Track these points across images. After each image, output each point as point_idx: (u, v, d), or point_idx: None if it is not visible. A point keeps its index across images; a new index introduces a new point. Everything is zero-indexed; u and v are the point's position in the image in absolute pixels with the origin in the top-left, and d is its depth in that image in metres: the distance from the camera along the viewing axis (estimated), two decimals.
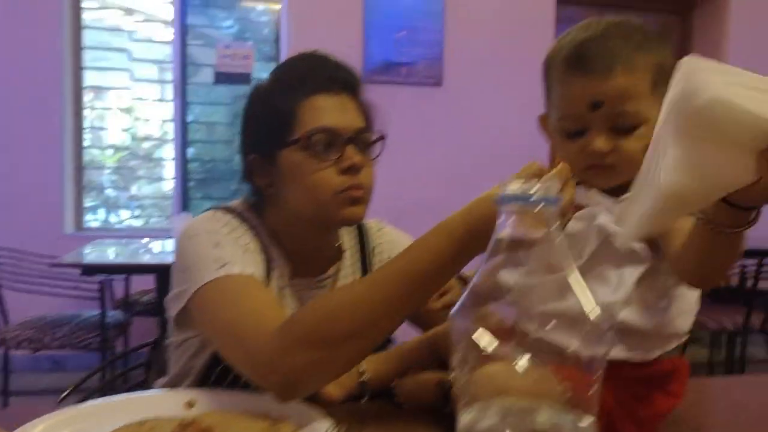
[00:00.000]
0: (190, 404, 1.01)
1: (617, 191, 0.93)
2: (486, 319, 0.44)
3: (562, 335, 0.48)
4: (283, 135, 1.09)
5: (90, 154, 4.58)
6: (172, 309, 1.09)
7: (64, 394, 1.62)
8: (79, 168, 4.42)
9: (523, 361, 0.43)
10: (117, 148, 4.77)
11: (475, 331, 0.44)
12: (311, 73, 1.12)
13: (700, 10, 5.21)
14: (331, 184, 1.08)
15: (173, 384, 1.16)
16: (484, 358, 0.43)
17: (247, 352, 0.93)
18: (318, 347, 0.87)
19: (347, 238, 1.27)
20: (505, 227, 0.49)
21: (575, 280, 0.53)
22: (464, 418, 0.44)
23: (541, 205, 0.47)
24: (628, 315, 0.90)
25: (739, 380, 1.08)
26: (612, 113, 0.88)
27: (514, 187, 0.47)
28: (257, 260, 1.07)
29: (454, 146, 4.48)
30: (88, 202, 4.54)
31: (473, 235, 0.83)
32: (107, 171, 4.79)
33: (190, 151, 4.55)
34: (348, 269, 1.24)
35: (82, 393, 1.81)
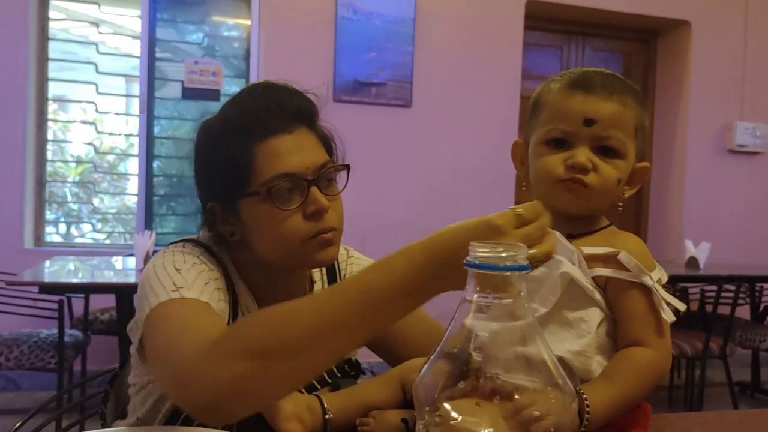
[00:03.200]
0: None
1: (577, 223, 0.98)
2: (455, 389, 0.44)
3: (526, 379, 0.48)
4: (241, 185, 1.04)
5: (52, 167, 4.49)
6: (134, 341, 1.06)
7: (18, 424, 1.57)
8: (41, 181, 4.33)
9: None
10: (80, 161, 4.69)
11: (441, 400, 0.44)
12: (265, 113, 1.05)
13: (663, 38, 5.35)
14: (299, 232, 1.04)
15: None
16: (449, 427, 0.43)
17: (172, 364, 0.83)
18: (250, 359, 0.76)
19: (316, 269, 1.24)
20: (473, 292, 0.49)
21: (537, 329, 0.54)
22: None
23: (510, 273, 0.48)
24: (596, 362, 0.92)
25: (700, 417, 1.10)
26: (601, 134, 0.94)
27: (484, 251, 0.47)
28: (219, 296, 1.04)
29: (422, 167, 4.51)
30: (49, 215, 4.44)
31: (435, 264, 0.75)
32: (69, 184, 4.70)
33: (156, 166, 4.49)
34: None
35: (46, 414, 1.76)
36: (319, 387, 1.19)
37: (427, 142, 4.51)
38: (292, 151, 1.04)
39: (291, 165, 1.03)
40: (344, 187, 1.12)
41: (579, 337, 0.95)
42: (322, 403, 1.08)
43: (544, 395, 0.45)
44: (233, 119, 1.07)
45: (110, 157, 4.76)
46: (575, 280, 0.93)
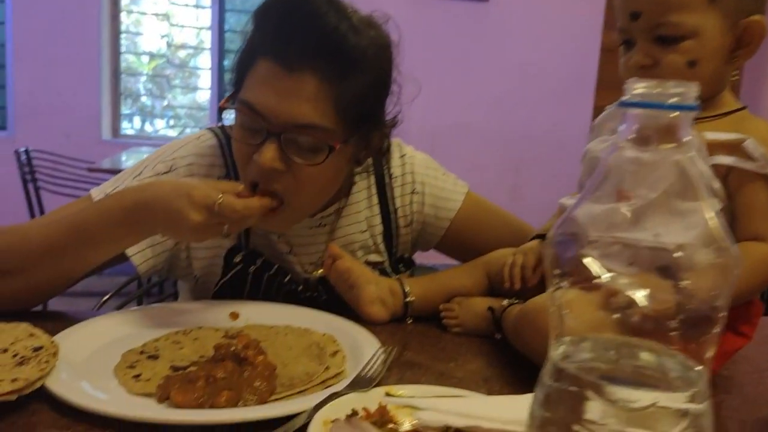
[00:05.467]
0: (234, 315, 1.00)
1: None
2: (593, 247, 0.39)
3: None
4: (236, 88, 0.96)
5: (125, 61, 4.53)
6: None
7: (104, 298, 1.64)
8: (116, 74, 4.37)
9: (637, 294, 0.37)
10: (153, 56, 4.70)
11: (581, 256, 0.39)
12: (280, 28, 0.90)
13: None
14: (246, 173, 0.96)
15: (198, 288, 1.13)
16: (585, 287, 0.38)
17: None
18: None
19: (359, 169, 1.12)
20: (626, 138, 0.43)
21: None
22: (555, 352, 0.40)
23: (676, 113, 0.41)
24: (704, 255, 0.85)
25: None
26: (651, 24, 0.85)
27: (644, 86, 0.40)
28: None
29: (496, 68, 4.32)
30: (124, 110, 4.52)
31: (141, 208, 0.88)
32: (143, 78, 4.73)
33: (227, 62, 4.46)
34: (361, 204, 1.15)
35: (120, 298, 1.83)
36: (395, 273, 1.16)
37: (503, 40, 4.30)
38: (274, 90, 0.90)
39: (261, 101, 0.91)
40: (322, 162, 0.93)
41: (688, 229, 0.87)
42: (403, 287, 1.06)
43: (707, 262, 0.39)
44: (260, 16, 0.95)
45: (182, 53, 4.75)
46: (691, 168, 0.85)
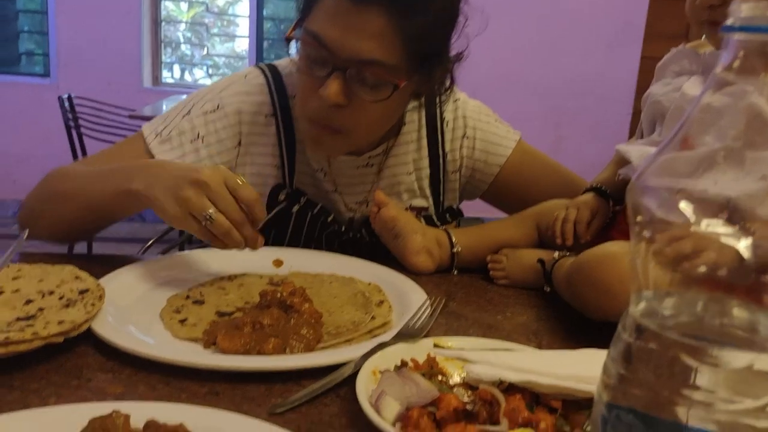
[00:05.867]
0: (278, 263, 0.98)
1: None
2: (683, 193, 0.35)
3: None
4: (302, 13, 0.94)
5: (165, 9, 4.49)
6: None
7: (148, 243, 1.65)
8: (156, 22, 4.35)
9: (730, 243, 0.34)
10: (192, 3, 4.66)
11: (668, 204, 0.35)
12: None
13: None
14: (307, 106, 0.95)
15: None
16: (669, 237, 0.35)
17: None
18: (38, 202, 0.99)
19: (411, 109, 1.11)
20: (729, 65, 0.39)
21: None
22: (636, 307, 0.36)
23: None
24: None
25: None
26: None
27: (750, 7, 0.35)
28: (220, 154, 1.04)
29: (537, 12, 4.15)
30: (164, 59, 4.51)
31: (135, 194, 0.86)
32: (182, 27, 4.71)
33: (266, 11, 4.40)
34: (410, 145, 1.12)
35: (163, 244, 1.85)
36: (439, 224, 1.13)
37: None
38: (342, 25, 0.88)
39: (328, 34, 0.89)
40: (387, 98, 0.92)
41: (756, 180, 0.82)
42: (450, 237, 1.03)
43: None
44: None
45: (221, 1, 4.69)
46: (763, 114, 0.79)
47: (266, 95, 1.07)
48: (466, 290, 0.98)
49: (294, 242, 1.09)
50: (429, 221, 1.12)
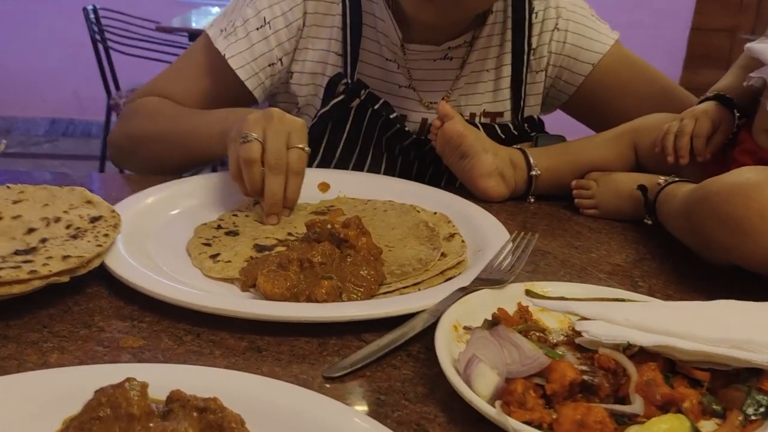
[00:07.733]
0: (323, 186, 0.84)
1: None
2: None
3: None
4: None
5: None
6: None
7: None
8: None
9: None
10: None
11: None
12: None
13: None
14: None
15: None
16: None
17: None
18: (125, 139, 0.97)
19: None
20: None
21: None
22: None
23: None
24: None
25: None
26: None
27: None
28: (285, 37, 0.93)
29: None
30: None
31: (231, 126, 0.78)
32: None
33: None
34: (492, 38, 0.97)
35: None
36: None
37: None
38: None
39: None
40: None
41: None
42: (527, 158, 0.88)
43: None
44: None
45: None
46: None
47: None
48: (546, 222, 0.83)
49: (350, 146, 0.96)
50: (505, 131, 0.96)
